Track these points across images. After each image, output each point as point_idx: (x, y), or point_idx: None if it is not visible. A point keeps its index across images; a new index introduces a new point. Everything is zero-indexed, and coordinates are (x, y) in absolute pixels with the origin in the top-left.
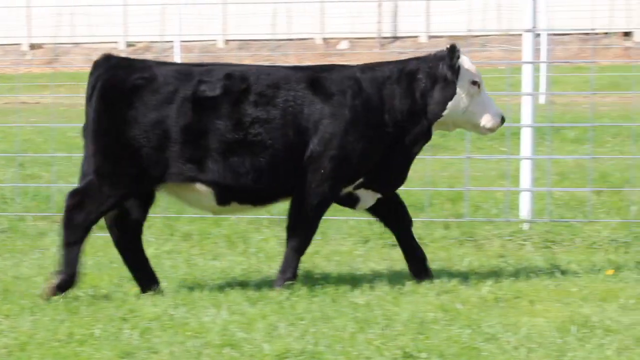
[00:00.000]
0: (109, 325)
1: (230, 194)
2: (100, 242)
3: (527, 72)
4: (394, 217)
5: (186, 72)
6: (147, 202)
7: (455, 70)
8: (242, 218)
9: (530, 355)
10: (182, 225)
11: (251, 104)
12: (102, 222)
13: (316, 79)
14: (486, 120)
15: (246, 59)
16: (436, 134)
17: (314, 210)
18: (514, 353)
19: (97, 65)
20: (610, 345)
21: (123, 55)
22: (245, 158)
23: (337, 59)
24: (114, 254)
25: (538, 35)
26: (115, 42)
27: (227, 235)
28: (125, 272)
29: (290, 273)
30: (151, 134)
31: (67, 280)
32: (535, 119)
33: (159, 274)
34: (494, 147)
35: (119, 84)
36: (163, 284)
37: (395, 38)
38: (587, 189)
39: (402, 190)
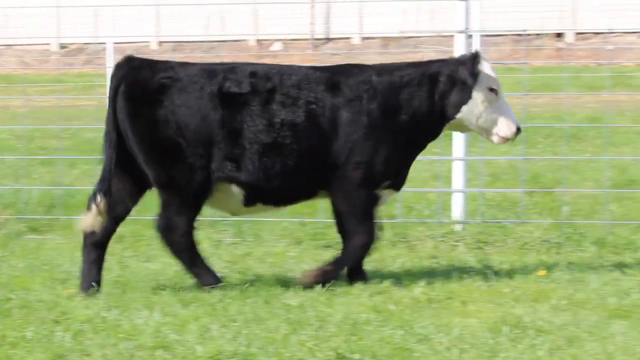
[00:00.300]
0: (41, 328)
1: (258, 195)
2: (32, 244)
3: None
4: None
5: (209, 70)
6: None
7: (474, 72)
8: None
9: (463, 355)
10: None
11: (279, 104)
12: (36, 224)
13: (335, 80)
14: (499, 129)
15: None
16: None
17: (364, 214)
18: (447, 354)
19: (119, 67)
20: (542, 346)
21: (56, 56)
22: (275, 159)
23: (270, 60)
24: (46, 256)
25: (470, 36)
26: (48, 44)
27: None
28: (57, 275)
29: (338, 267)
30: (187, 131)
31: (213, 281)
32: None
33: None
34: (427, 148)
35: (144, 84)
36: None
37: (328, 39)
38: (520, 189)
39: None
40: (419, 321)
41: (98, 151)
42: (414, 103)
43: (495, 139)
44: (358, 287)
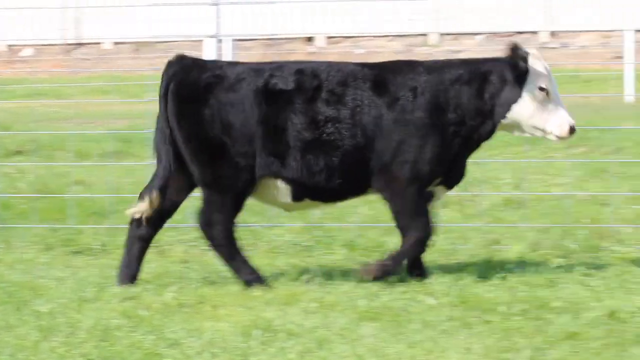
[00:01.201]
0: None
1: (304, 191)
2: None
3: None
4: None
5: (257, 69)
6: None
7: (519, 70)
8: None
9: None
10: None
11: (323, 102)
12: None
13: (383, 77)
14: (552, 128)
15: None
16: None
17: (413, 210)
18: (197, 358)
19: (170, 65)
20: (292, 349)
21: None
22: (318, 155)
23: (21, 65)
24: None
25: (220, 40)
26: None
27: None
28: None
29: (396, 262)
30: (233, 130)
31: (252, 277)
32: None
33: None
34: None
35: (193, 83)
36: None
37: (80, 44)
38: None
39: (86, 197)
40: (170, 326)
41: None
42: (462, 100)
43: (551, 137)
44: (108, 292)
